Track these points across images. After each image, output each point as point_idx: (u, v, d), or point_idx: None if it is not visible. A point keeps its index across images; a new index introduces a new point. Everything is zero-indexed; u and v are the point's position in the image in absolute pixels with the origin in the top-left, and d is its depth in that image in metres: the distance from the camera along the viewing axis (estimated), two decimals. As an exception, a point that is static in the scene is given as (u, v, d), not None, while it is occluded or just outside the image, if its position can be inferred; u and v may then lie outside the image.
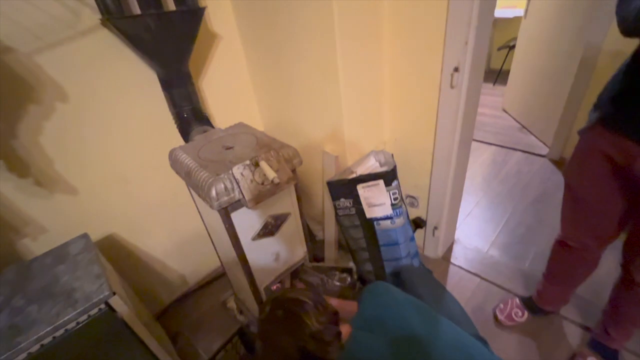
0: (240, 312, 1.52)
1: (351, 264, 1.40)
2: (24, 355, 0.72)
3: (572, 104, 2.08)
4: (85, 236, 1.04)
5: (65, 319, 0.76)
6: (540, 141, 2.49)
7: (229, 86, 1.45)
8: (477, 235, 1.79)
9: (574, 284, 1.18)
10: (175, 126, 1.19)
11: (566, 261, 1.12)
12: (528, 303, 1.34)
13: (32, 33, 0.94)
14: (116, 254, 1.32)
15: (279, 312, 0.71)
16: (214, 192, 0.82)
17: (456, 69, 1.09)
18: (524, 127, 2.74)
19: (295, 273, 1.21)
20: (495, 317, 1.37)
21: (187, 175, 0.93)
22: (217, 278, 1.71)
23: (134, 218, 1.34)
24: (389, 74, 1.30)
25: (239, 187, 0.84)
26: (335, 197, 1.29)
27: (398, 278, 1.09)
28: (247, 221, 0.95)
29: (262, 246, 1.04)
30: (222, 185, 0.83)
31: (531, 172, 2.23)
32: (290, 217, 1.08)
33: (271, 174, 0.82)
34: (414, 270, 1.10)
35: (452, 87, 1.13)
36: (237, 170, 0.85)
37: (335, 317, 0.72)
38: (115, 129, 1.17)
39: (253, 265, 1.03)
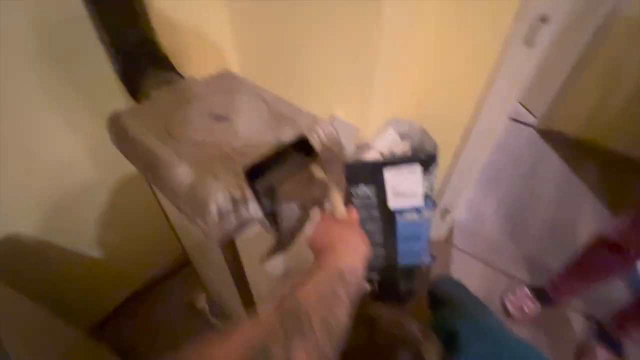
0: (216, 315, 1.21)
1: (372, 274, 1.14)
2: None
3: (573, 76, 1.94)
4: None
5: None
6: (527, 109, 2.38)
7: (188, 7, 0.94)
8: (475, 213, 1.66)
9: (602, 282, 1.10)
10: (113, 71, 0.72)
11: (610, 263, 1.01)
12: (540, 294, 1.26)
13: None
14: (21, 261, 0.87)
15: (380, 340, 0.54)
16: (213, 211, 0.44)
17: (543, 19, 0.78)
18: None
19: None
20: (505, 309, 1.28)
21: (149, 169, 0.52)
22: (177, 270, 1.34)
23: (50, 206, 0.88)
24: (431, 11, 0.93)
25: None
26: (352, 183, 0.98)
27: (440, 297, 0.87)
28: (255, 241, 0.60)
29: (270, 265, 0.71)
30: (228, 198, 0.45)
31: (519, 144, 2.13)
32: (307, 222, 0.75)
33: (341, 209, 0.52)
34: (459, 289, 0.89)
35: (528, 44, 0.83)
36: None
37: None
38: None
39: (254, 289, 0.71)
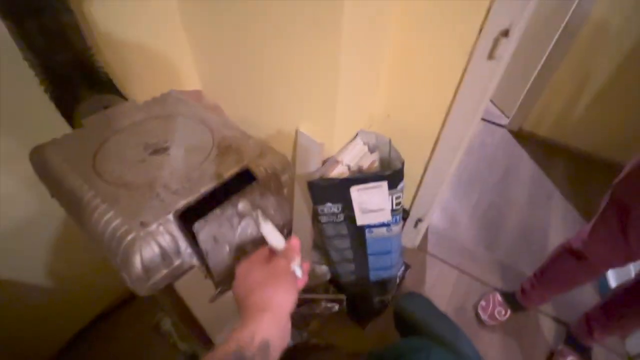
0: (182, 339, 1.16)
1: (343, 295, 1.11)
2: None
3: (543, 75, 1.96)
4: None
5: None
6: (499, 110, 2.41)
7: (136, 13, 0.87)
8: (450, 218, 1.66)
9: (569, 290, 1.11)
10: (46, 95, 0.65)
11: (576, 272, 1.01)
12: (510, 300, 1.26)
13: None
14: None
15: None
16: (138, 266, 0.40)
17: (505, 33, 0.76)
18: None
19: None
20: (478, 317, 1.28)
21: (71, 210, 0.47)
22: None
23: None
24: (398, 26, 0.90)
25: (196, 246, 0.44)
26: (318, 201, 0.94)
27: (406, 319, 0.85)
28: (201, 281, 0.55)
29: (224, 301, 0.66)
30: (157, 249, 0.41)
31: (493, 145, 2.15)
32: (266, 250, 0.71)
33: (280, 243, 0.43)
34: (424, 308, 0.87)
35: (490, 57, 0.81)
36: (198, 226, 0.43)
37: None
38: None
39: (209, 328, 0.67)
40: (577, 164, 2.02)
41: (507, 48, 0.79)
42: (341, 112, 0.89)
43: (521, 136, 2.22)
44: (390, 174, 0.88)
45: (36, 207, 0.85)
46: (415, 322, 0.82)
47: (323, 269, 1.28)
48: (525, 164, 2.02)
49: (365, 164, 1.02)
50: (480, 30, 0.79)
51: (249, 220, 0.46)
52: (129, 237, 0.40)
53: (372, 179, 0.89)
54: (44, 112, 0.71)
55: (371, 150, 1.07)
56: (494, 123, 2.33)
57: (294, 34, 0.77)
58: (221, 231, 0.43)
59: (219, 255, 0.44)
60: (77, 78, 0.64)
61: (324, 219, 0.98)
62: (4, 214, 0.79)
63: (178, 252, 0.43)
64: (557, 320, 1.28)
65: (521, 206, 1.75)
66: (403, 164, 0.90)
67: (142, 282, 0.41)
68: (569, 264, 1.02)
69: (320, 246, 1.27)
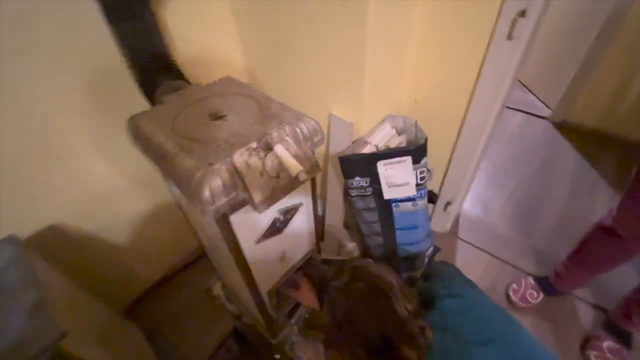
0: (230, 301, 1.32)
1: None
2: None
3: (586, 66, 1.89)
4: (11, 241, 0.73)
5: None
6: (541, 101, 2.34)
7: (200, 19, 1.06)
8: (483, 206, 1.67)
9: (605, 271, 1.09)
10: (133, 81, 0.84)
11: (609, 250, 1.01)
12: (543, 284, 1.26)
13: None
14: (60, 249, 1.01)
15: (361, 285, 0.62)
16: (207, 192, 0.54)
17: (522, 13, 0.82)
18: (522, 85, 2.56)
19: (301, 268, 1.00)
20: (508, 298, 1.29)
21: (159, 160, 0.63)
22: (196, 260, 1.47)
23: (83, 201, 1.02)
24: (420, 15, 0.99)
25: (243, 182, 0.57)
26: (348, 176, 1.05)
27: (434, 275, 0.92)
28: (249, 222, 0.69)
29: (266, 247, 0.80)
30: (219, 181, 0.55)
31: (534, 136, 2.10)
32: (301, 208, 0.83)
33: (295, 168, 0.56)
34: (453, 270, 0.93)
35: (510, 38, 0.87)
36: (239, 158, 0.57)
37: (419, 309, 0.61)
38: (47, 83, 0.80)
39: (254, 270, 0.80)
40: (628, 154, 1.91)
41: (525, 28, 0.84)
42: (368, 97, 0.99)
43: (565, 128, 2.14)
44: (414, 149, 0.97)
45: (124, 179, 1.07)
46: (439, 274, 0.89)
47: (352, 245, 1.38)
48: (569, 156, 1.95)
49: (392, 145, 1.11)
50: (500, 11, 0.86)
51: (275, 156, 0.59)
52: (200, 173, 0.55)
53: (397, 154, 0.98)
54: (130, 97, 0.92)
55: (399, 133, 1.16)
56: (535, 115, 2.26)
57: (323, 27, 0.90)
58: (251, 161, 0.56)
59: (254, 181, 0.57)
60: (156, 68, 0.82)
61: (353, 192, 1.09)
62: (100, 182, 1.01)
63: (235, 185, 0.57)
64: (595, 306, 1.25)
65: (562, 196, 1.70)
66: (426, 140, 0.98)
67: (208, 205, 0.55)
68: (602, 242, 1.01)
69: (350, 224, 1.37)
